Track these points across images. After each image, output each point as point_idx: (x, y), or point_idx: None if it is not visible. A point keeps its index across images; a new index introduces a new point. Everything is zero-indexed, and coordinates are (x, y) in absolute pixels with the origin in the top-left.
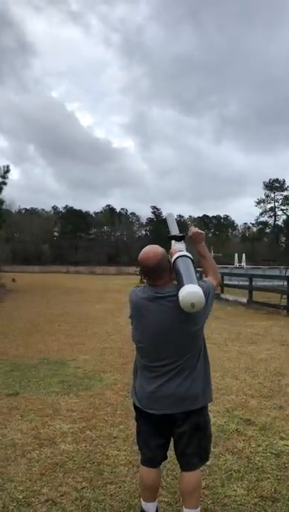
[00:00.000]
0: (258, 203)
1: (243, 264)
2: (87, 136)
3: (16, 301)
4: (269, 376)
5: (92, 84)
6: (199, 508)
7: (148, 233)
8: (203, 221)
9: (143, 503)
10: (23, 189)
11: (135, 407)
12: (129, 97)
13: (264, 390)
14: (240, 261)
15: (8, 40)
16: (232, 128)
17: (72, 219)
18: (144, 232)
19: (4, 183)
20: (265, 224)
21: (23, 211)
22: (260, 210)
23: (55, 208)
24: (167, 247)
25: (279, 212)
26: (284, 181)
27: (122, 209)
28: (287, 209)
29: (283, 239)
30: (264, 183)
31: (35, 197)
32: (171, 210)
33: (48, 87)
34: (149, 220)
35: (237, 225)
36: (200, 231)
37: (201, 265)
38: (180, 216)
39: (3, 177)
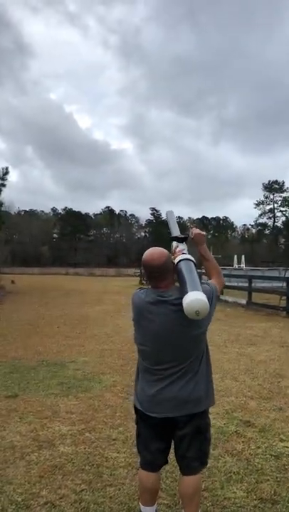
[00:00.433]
0: (257, 204)
1: (243, 265)
2: (86, 137)
3: (15, 303)
4: (268, 378)
5: (90, 86)
6: None
7: (147, 235)
8: (202, 223)
9: (142, 506)
10: (22, 191)
11: (136, 409)
12: (128, 99)
13: (263, 391)
14: (239, 262)
15: (6, 42)
16: (231, 129)
17: (72, 221)
18: (143, 234)
19: (3, 185)
20: (264, 225)
21: (23, 213)
22: (259, 212)
23: (54, 209)
24: (167, 248)
25: (278, 214)
26: (283, 183)
27: (121, 211)
28: (286, 210)
29: (282, 240)
30: (263, 184)
31: (34, 199)
32: (170, 210)
33: (46, 89)
34: (149, 222)
35: (236, 227)
36: (202, 232)
37: (204, 267)
38: (179, 218)
39: (2, 179)
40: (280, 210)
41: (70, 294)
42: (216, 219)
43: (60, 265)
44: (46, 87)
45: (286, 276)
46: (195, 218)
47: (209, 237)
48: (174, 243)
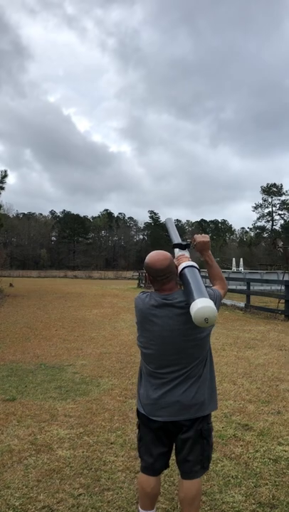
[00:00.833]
0: (256, 207)
1: (241, 268)
2: (84, 140)
3: (13, 306)
4: (267, 381)
5: (88, 89)
6: None
7: (146, 238)
8: (201, 225)
9: (141, 511)
10: (21, 194)
11: (139, 413)
12: (126, 102)
13: (262, 395)
14: (237, 265)
15: (4, 44)
16: (229, 132)
17: (70, 223)
18: (141, 237)
19: (2, 188)
20: (262, 228)
21: (21, 216)
22: (258, 215)
23: (52, 212)
24: (167, 251)
25: (276, 217)
26: (281, 186)
27: (119, 213)
28: (284, 214)
29: (281, 243)
30: (261, 187)
31: (33, 201)
32: (169, 215)
33: (44, 92)
34: (147, 225)
35: (234, 230)
36: (205, 239)
37: (207, 273)
38: (178, 221)
39: (1, 182)
40: (279, 214)
41: (68, 297)
42: (215, 222)
43: (58, 268)
44: (44, 90)
45: (284, 279)
46: (193, 221)
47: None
48: (176, 250)
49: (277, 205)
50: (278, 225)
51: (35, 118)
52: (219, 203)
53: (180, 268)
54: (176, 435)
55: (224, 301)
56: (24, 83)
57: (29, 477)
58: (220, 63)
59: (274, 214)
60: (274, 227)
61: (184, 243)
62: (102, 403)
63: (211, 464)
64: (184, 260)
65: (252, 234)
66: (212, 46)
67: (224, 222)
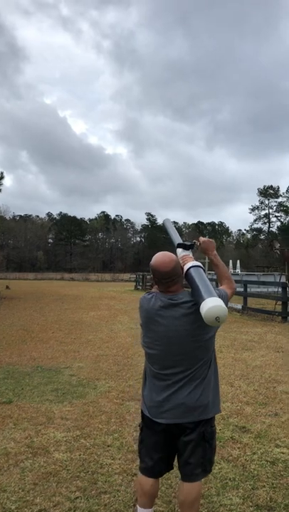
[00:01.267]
0: (252, 209)
1: (238, 270)
2: (80, 142)
3: (10, 309)
4: (264, 383)
5: (84, 91)
6: None
7: (143, 240)
8: (198, 228)
9: (139, 509)
10: (17, 196)
11: (143, 415)
12: (121, 104)
13: (259, 397)
14: (234, 267)
15: None
16: (225, 134)
17: (67, 225)
18: (138, 239)
19: None
20: (259, 230)
21: (18, 218)
22: (255, 217)
23: (49, 214)
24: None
25: (273, 219)
26: (278, 188)
27: (116, 215)
28: (281, 215)
29: (277, 245)
30: (258, 189)
31: (29, 204)
32: (166, 217)
33: (40, 93)
34: (144, 227)
35: (231, 232)
36: (210, 239)
37: (215, 273)
38: (175, 223)
39: None
40: (275, 216)
41: (65, 299)
42: (212, 224)
43: (55, 270)
44: (40, 92)
45: (281, 281)
46: (190, 223)
47: None
48: (180, 250)
49: (274, 207)
50: (275, 227)
51: (31, 120)
52: (216, 205)
53: (186, 268)
54: (178, 438)
55: None
56: (20, 85)
57: (25, 480)
58: (216, 65)
59: (271, 216)
60: (271, 229)
61: (188, 243)
62: (99, 406)
63: None
64: (189, 260)
65: (249, 236)
66: (208, 48)
67: (221, 224)
